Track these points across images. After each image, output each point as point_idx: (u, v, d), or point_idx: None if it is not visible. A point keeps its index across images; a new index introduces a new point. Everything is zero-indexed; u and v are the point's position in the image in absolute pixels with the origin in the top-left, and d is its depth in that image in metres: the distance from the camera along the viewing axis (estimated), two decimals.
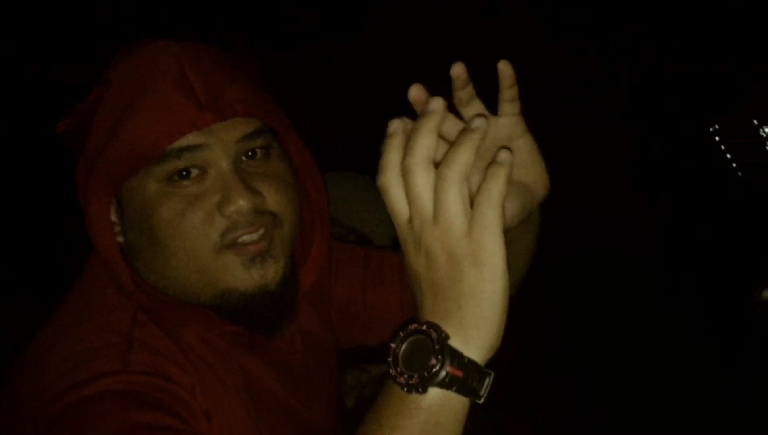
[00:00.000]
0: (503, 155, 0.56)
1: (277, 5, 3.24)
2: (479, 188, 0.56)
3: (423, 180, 0.56)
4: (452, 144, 0.57)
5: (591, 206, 2.99)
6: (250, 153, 0.79)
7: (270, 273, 0.79)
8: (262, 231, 0.78)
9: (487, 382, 0.57)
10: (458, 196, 0.55)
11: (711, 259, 2.83)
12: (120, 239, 0.81)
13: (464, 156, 0.55)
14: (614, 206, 3.05)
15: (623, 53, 3.14)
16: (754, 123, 2.07)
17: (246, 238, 0.77)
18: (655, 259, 2.94)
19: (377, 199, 1.99)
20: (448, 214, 0.55)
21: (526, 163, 0.72)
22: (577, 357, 2.74)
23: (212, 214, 0.76)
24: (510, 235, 0.71)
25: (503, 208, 0.56)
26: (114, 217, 0.80)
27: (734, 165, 2.30)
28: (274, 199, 0.79)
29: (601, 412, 2.52)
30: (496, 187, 0.55)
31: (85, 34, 2.84)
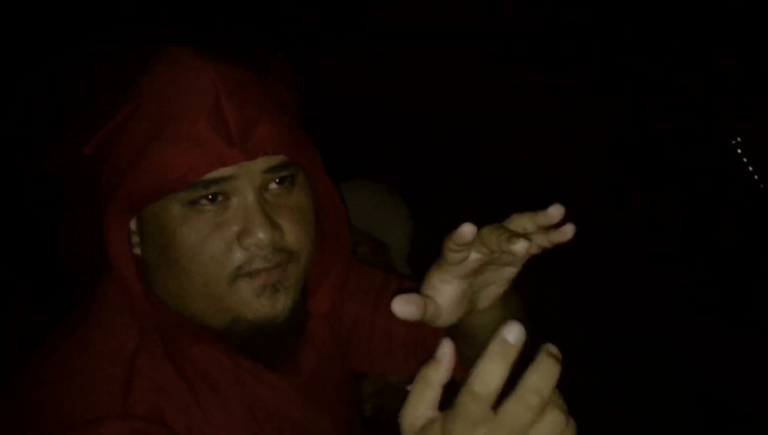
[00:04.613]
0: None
1: (277, 5, 3.24)
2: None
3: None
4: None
5: (606, 213, 2.98)
6: (276, 181, 0.79)
7: (279, 304, 0.79)
8: (274, 266, 0.78)
9: None
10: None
11: (731, 272, 2.82)
12: (137, 251, 0.81)
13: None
14: (631, 214, 3.04)
15: (642, 60, 3.13)
16: None
17: (260, 265, 0.77)
18: (673, 270, 2.93)
19: (393, 206, 2.00)
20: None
21: (492, 285, 0.74)
22: (580, 358, 2.74)
23: (232, 244, 0.76)
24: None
25: None
26: (133, 227, 0.80)
27: (756, 177, 2.30)
28: (293, 235, 0.80)
29: (602, 412, 2.52)
30: None
31: (84, 34, 2.83)
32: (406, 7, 3.15)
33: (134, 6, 2.99)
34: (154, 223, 0.77)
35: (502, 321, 0.79)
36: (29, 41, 2.91)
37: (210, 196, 0.76)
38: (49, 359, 0.78)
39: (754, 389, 2.43)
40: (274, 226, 0.77)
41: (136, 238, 0.81)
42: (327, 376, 0.96)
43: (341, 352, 1.03)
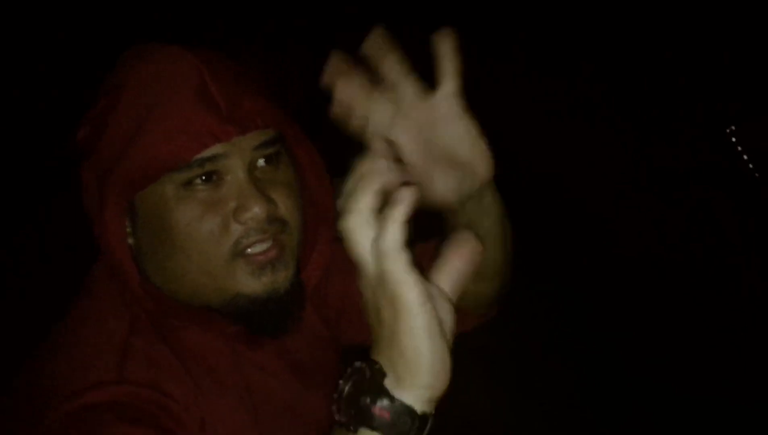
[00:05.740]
0: (402, 194, 0.54)
1: (276, 5, 3.24)
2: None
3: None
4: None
5: (598, 207, 2.98)
6: (262, 159, 0.80)
7: (280, 278, 0.80)
8: (271, 240, 0.79)
9: (418, 424, 0.54)
10: (360, 240, 0.55)
11: (726, 263, 2.82)
12: (130, 241, 0.81)
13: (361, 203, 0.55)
14: (622, 208, 3.04)
15: (637, 51, 3.13)
16: None
17: (257, 247, 0.78)
18: (673, 271, 2.93)
19: None
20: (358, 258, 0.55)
21: (463, 144, 0.72)
22: (575, 355, 2.74)
23: (228, 220, 0.78)
24: (461, 217, 0.75)
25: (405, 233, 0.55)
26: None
27: (751, 166, 2.29)
28: (284, 206, 0.82)
29: (594, 411, 2.52)
30: (392, 231, 0.53)
31: (83, 34, 2.84)
32: (405, 7, 3.15)
33: (134, 6, 3.00)
34: (148, 207, 0.78)
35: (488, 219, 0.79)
36: (30, 42, 2.91)
37: (204, 176, 0.77)
38: (50, 342, 0.80)
39: (754, 389, 2.43)
40: (268, 199, 0.78)
41: (128, 229, 0.82)
42: (319, 359, 0.98)
43: (330, 335, 1.03)
